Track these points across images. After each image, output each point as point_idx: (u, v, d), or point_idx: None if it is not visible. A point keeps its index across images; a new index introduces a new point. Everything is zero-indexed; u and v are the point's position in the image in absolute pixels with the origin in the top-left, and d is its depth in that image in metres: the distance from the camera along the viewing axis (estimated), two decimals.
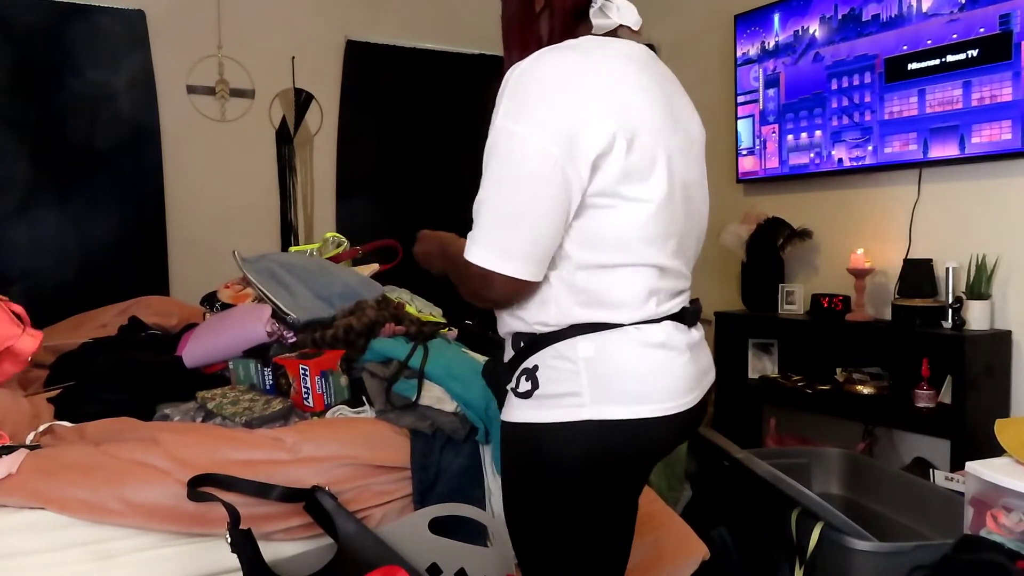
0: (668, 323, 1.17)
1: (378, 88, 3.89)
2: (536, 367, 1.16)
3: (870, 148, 3.03)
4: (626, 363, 1.13)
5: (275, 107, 3.74)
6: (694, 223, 1.24)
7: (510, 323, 1.21)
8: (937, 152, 2.80)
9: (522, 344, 1.19)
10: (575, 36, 1.18)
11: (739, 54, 3.49)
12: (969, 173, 2.77)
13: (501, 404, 1.23)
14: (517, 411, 1.17)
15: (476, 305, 1.21)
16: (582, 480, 1.16)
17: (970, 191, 2.78)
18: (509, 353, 1.22)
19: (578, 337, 1.14)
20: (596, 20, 1.19)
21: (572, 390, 1.13)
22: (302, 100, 3.79)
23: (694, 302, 1.26)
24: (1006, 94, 2.61)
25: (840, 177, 3.16)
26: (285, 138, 3.77)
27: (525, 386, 1.17)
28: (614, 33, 1.22)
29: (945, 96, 2.77)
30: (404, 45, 3.95)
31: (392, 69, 3.92)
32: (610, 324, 1.14)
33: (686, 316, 1.21)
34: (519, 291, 1.13)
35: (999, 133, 2.63)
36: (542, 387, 1.15)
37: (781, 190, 3.43)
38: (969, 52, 2.69)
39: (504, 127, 1.09)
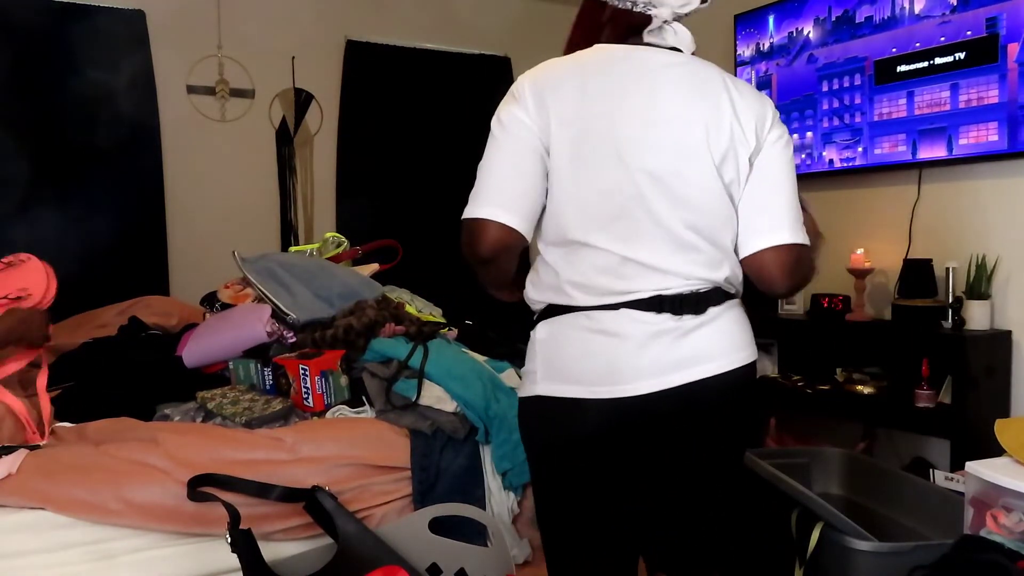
0: (625, 310, 1.20)
1: (378, 88, 3.89)
2: (526, 347, 1.32)
3: (860, 149, 3.04)
4: (565, 345, 1.23)
5: (275, 107, 3.74)
6: (683, 215, 1.22)
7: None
8: (925, 153, 2.82)
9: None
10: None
11: (736, 55, 3.49)
12: (969, 173, 2.77)
13: None
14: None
15: (490, 291, 1.36)
16: (538, 453, 1.31)
17: (970, 192, 2.78)
18: None
19: (541, 321, 1.27)
20: (650, 39, 1.28)
21: (532, 368, 1.28)
22: (302, 100, 3.79)
23: (717, 290, 1.25)
24: (992, 96, 2.62)
25: (840, 177, 3.16)
26: (285, 138, 3.76)
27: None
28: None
29: (933, 98, 2.78)
30: (404, 45, 3.95)
31: (392, 69, 3.92)
32: (563, 307, 1.24)
33: (654, 303, 1.20)
34: (498, 238, 1.21)
35: (986, 135, 2.65)
36: (525, 364, 1.31)
37: None
38: (956, 55, 2.70)
39: (496, 114, 1.25)
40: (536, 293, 1.28)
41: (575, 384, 1.22)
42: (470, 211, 1.22)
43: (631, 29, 1.28)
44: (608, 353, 1.20)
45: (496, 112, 1.25)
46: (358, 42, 3.86)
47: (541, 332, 1.27)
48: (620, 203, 1.20)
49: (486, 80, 4.11)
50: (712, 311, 1.24)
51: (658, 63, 1.26)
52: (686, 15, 1.29)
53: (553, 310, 1.25)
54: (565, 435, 1.26)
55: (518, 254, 1.27)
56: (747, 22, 3.44)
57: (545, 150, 1.21)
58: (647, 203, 1.20)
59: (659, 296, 1.20)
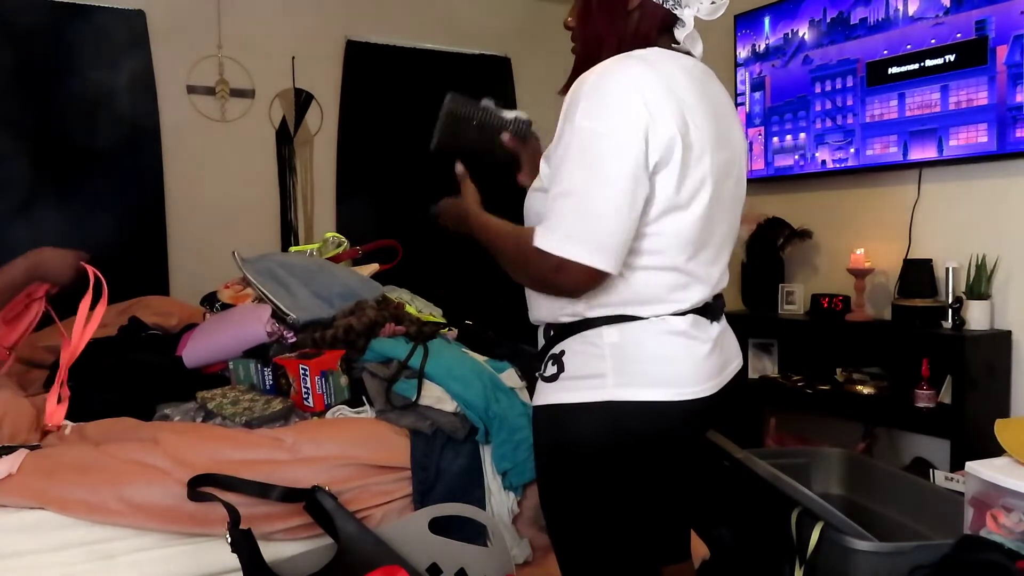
0: (691, 316, 1.23)
1: (378, 88, 3.89)
2: (563, 352, 1.23)
3: (852, 150, 3.04)
4: (650, 348, 1.19)
5: (275, 107, 3.74)
6: (728, 236, 1.29)
7: (542, 312, 1.28)
8: (916, 155, 2.83)
9: (552, 332, 1.26)
10: (651, 44, 1.23)
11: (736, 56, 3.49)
12: (969, 174, 2.77)
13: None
14: (543, 395, 1.25)
15: (529, 285, 1.26)
16: (603, 460, 1.21)
17: (970, 192, 2.78)
18: (540, 342, 1.30)
19: (603, 326, 1.20)
20: (685, 45, 1.27)
21: (596, 372, 1.19)
22: (302, 100, 3.80)
23: (717, 297, 1.30)
24: (982, 98, 2.64)
25: (840, 178, 3.16)
26: (285, 138, 3.77)
27: (551, 370, 1.23)
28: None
29: (924, 100, 2.80)
30: (404, 45, 3.95)
31: (392, 69, 3.92)
32: (633, 317, 1.20)
33: (707, 310, 1.25)
34: (595, 282, 1.14)
35: (975, 136, 2.66)
36: (567, 370, 1.21)
37: (780, 190, 3.43)
38: (946, 57, 2.72)
39: (585, 126, 1.12)
40: (587, 307, 1.21)
41: (660, 387, 1.18)
42: (566, 249, 1.10)
43: (662, 27, 1.24)
44: (691, 354, 1.21)
45: (602, 122, 1.11)
46: (358, 42, 3.86)
47: (612, 335, 1.19)
48: (701, 226, 1.20)
49: (486, 80, 4.11)
50: (723, 316, 1.33)
51: (701, 73, 1.26)
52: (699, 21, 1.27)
53: (611, 319, 1.20)
54: (646, 439, 1.21)
55: None
56: (745, 23, 3.44)
57: (648, 173, 1.13)
58: (719, 225, 1.25)
59: (708, 304, 1.26)
